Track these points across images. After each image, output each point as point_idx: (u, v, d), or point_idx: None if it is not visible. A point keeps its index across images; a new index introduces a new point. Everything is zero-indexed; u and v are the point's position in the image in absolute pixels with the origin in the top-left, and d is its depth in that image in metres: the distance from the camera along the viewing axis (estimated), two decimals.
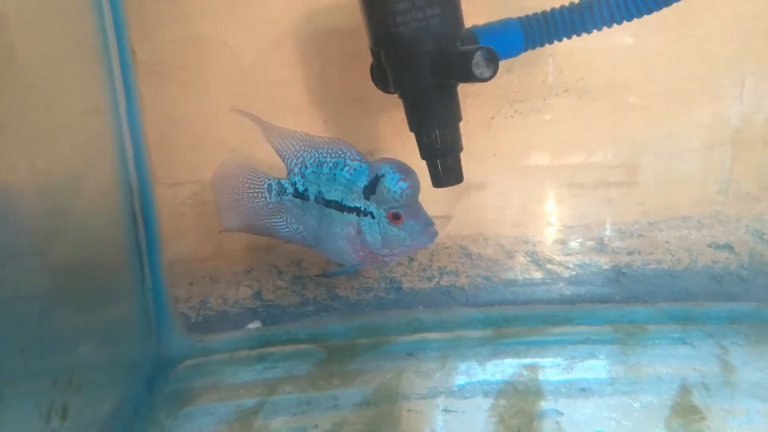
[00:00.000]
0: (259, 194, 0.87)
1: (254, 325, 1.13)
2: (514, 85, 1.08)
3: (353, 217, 0.80)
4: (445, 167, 0.84)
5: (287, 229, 0.88)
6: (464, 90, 0.86)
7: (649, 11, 0.81)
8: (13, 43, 0.62)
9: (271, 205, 0.87)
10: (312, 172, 0.84)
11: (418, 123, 0.84)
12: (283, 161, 0.86)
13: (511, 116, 1.10)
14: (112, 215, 0.97)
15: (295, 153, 0.85)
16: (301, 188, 0.85)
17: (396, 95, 0.87)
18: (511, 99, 1.10)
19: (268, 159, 1.07)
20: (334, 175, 0.82)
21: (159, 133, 1.08)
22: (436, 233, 0.79)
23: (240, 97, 1.08)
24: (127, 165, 1.04)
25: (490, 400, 0.88)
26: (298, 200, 0.85)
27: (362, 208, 0.80)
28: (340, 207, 0.82)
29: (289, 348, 1.06)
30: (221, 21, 1.05)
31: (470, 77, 0.75)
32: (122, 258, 0.99)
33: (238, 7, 1.05)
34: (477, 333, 1.06)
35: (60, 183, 0.76)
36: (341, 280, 1.15)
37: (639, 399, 0.87)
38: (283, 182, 0.86)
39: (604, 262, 1.16)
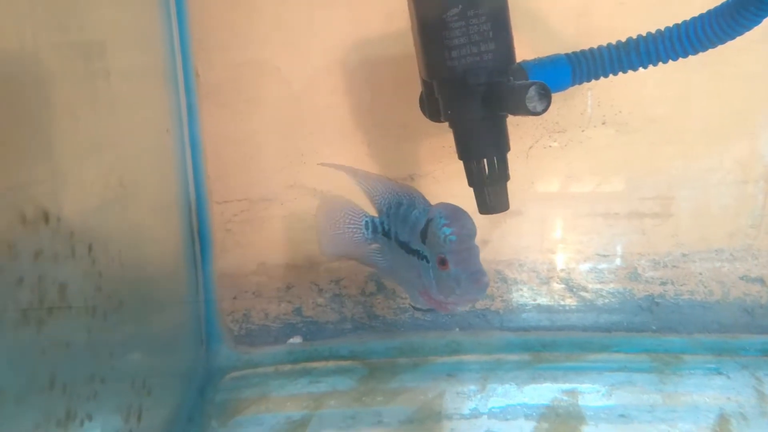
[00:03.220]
0: (358, 229, 0.89)
1: (295, 340, 1.16)
2: (553, 116, 1.11)
3: (415, 260, 0.79)
4: (492, 195, 0.87)
5: (384, 264, 0.88)
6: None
7: (695, 52, 0.84)
8: (110, 68, 0.67)
9: (369, 240, 0.89)
10: (393, 213, 0.84)
11: (467, 152, 0.87)
12: (372, 203, 0.88)
13: (550, 146, 1.13)
14: (173, 229, 1.00)
15: (382, 195, 0.86)
16: (386, 227, 0.86)
17: (442, 123, 0.89)
18: (550, 129, 1.13)
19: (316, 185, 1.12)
20: (405, 217, 0.81)
21: (215, 152, 1.12)
22: (486, 284, 0.73)
23: (290, 120, 1.12)
24: (188, 182, 1.09)
25: (533, 423, 0.90)
26: (386, 239, 0.86)
27: (420, 251, 0.78)
28: (408, 249, 0.81)
29: (331, 364, 1.09)
30: (275, 47, 1.10)
31: (523, 111, 0.77)
32: (181, 270, 1.03)
33: (291, 34, 1.09)
34: (514, 357, 1.08)
35: (138, 198, 0.79)
36: (379, 299, 1.18)
37: (678, 427, 0.88)
38: (376, 221, 0.87)
39: (637, 291, 1.18)
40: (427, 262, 0.76)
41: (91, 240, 0.61)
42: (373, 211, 0.89)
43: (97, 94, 0.68)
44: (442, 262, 0.74)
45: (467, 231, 0.75)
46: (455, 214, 0.75)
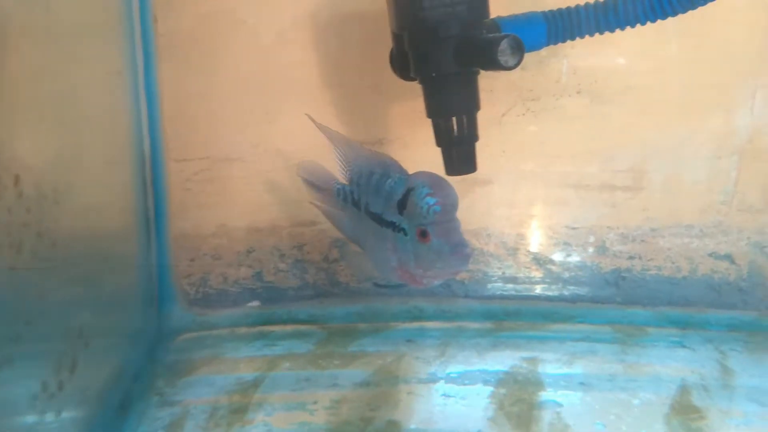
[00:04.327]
0: (330, 195, 0.86)
1: (253, 304, 1.13)
2: (527, 83, 1.09)
3: (389, 232, 0.75)
4: (460, 155, 0.84)
5: (352, 234, 0.85)
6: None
7: (674, 13, 0.81)
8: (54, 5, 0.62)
9: (339, 206, 0.85)
10: (365, 183, 0.80)
11: (436, 109, 0.85)
12: (343, 170, 0.84)
13: (523, 114, 1.11)
14: (123, 184, 0.97)
15: (355, 163, 0.82)
16: (356, 197, 0.82)
17: (412, 84, 0.87)
18: (524, 97, 1.10)
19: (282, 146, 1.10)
20: (378, 187, 0.77)
21: (174, 106, 1.08)
22: (468, 255, 0.70)
23: (255, 76, 1.08)
24: (142, 135, 1.04)
25: (490, 388, 0.89)
26: (355, 209, 0.82)
27: (396, 223, 0.74)
28: (380, 220, 0.77)
29: (289, 327, 1.07)
30: None
31: (495, 65, 0.75)
32: (131, 228, 1.00)
33: None
34: (476, 324, 1.06)
35: (79, 141, 0.76)
36: (342, 266, 1.16)
37: (638, 396, 0.87)
38: (347, 188, 0.83)
39: (604, 264, 1.16)
40: (405, 234, 0.72)
41: (19, 172, 0.58)
42: (342, 179, 0.85)
43: (39, 31, 0.65)
44: (423, 234, 0.70)
45: (451, 201, 0.71)
46: (439, 183, 0.71)
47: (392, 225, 0.74)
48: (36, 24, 0.65)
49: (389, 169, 0.77)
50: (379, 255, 0.77)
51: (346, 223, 0.86)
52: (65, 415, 0.67)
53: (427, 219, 0.69)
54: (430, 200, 0.69)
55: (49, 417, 0.64)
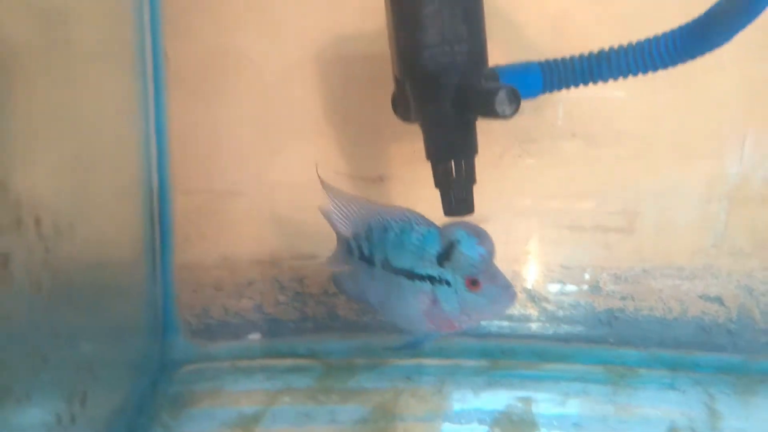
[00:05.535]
0: (335, 249, 0.85)
1: (254, 336, 1.15)
2: (524, 126, 1.12)
3: (427, 285, 0.75)
4: (458, 198, 0.86)
5: (354, 290, 0.85)
6: (477, 126, 0.88)
7: (663, 66, 0.84)
8: (71, 38, 0.65)
9: (342, 260, 0.84)
10: (378, 238, 0.79)
11: (435, 152, 0.87)
12: (344, 225, 0.83)
13: (519, 156, 1.13)
14: (132, 215, 0.98)
15: (360, 216, 0.81)
16: (367, 252, 0.81)
17: (413, 125, 0.89)
18: (521, 139, 1.13)
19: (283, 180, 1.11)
20: (402, 241, 0.77)
21: (181, 140, 1.10)
22: (515, 294, 0.73)
23: (260, 112, 1.11)
24: (151, 168, 1.06)
25: (485, 428, 0.90)
26: (365, 264, 0.81)
27: (437, 276, 0.75)
28: (410, 275, 0.76)
29: (289, 361, 1.08)
30: (250, 36, 1.08)
31: (492, 113, 0.78)
32: (138, 258, 1.01)
33: (268, 24, 1.08)
34: (473, 362, 1.08)
35: (92, 175, 0.77)
36: (341, 300, 1.17)
37: None
38: (350, 242, 0.82)
39: (598, 304, 1.18)
40: (449, 285, 0.74)
41: (40, 213, 0.59)
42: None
43: (56, 65, 0.66)
44: (474, 283, 0.72)
45: (494, 247, 0.73)
46: (481, 233, 0.73)
47: (430, 278, 0.75)
48: (55, 59, 0.67)
49: (410, 222, 0.77)
50: (406, 309, 0.77)
51: (352, 278, 0.84)
52: None
53: (477, 268, 0.72)
54: (482, 250, 0.71)
55: None
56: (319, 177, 0.83)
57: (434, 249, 0.74)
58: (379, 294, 0.81)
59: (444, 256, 0.74)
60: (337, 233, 0.84)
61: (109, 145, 0.89)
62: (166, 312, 1.12)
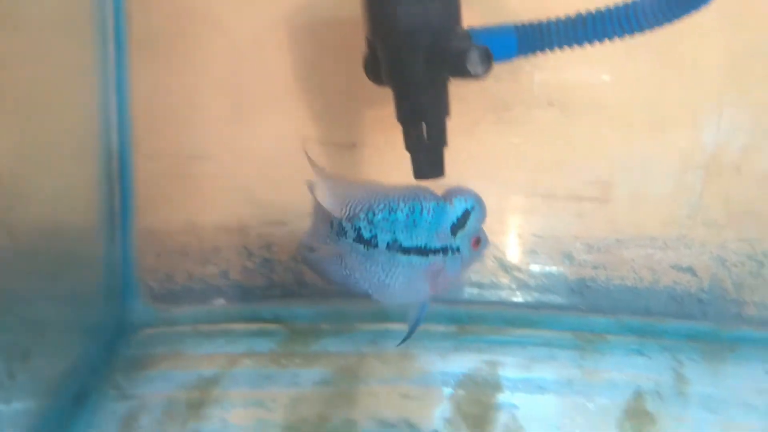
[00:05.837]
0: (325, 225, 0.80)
1: (218, 301, 1.13)
2: (500, 93, 1.10)
3: (440, 257, 0.77)
4: (429, 160, 0.86)
5: (338, 273, 0.80)
6: (451, 93, 0.88)
7: (641, 30, 0.83)
8: None
9: (325, 241, 0.80)
10: (383, 219, 0.76)
11: (407, 114, 0.86)
12: (335, 206, 0.78)
13: (494, 123, 1.12)
14: (88, 177, 0.96)
15: (359, 199, 0.77)
16: (367, 234, 0.77)
17: (386, 90, 0.88)
18: (497, 107, 1.11)
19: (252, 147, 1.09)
20: (413, 220, 0.76)
21: (145, 103, 1.08)
22: (487, 236, 0.81)
23: (229, 76, 1.08)
24: (110, 130, 1.03)
25: (449, 390, 0.90)
26: (361, 246, 0.78)
27: (449, 246, 0.77)
28: (423, 251, 0.76)
29: (253, 326, 1.06)
30: None
31: (464, 74, 0.78)
32: (94, 222, 0.99)
33: None
34: (441, 328, 1.07)
35: (43, 134, 0.75)
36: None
37: (594, 400, 0.89)
38: (343, 224, 0.78)
39: (570, 273, 1.18)
40: (458, 251, 0.78)
41: None
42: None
43: (4, 24, 0.65)
44: (478, 242, 0.79)
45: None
46: (476, 194, 0.78)
47: (443, 250, 0.77)
48: (3, 19, 0.65)
49: (419, 200, 0.76)
50: (414, 284, 0.78)
51: (336, 260, 0.80)
52: (16, 405, 0.67)
53: (478, 228, 0.79)
54: (484, 212, 0.78)
55: None
56: (308, 156, 0.78)
57: (448, 222, 0.76)
58: (377, 275, 0.79)
59: (459, 226, 0.77)
60: (323, 214, 0.80)
61: (64, 106, 0.86)
62: (125, 276, 1.09)
